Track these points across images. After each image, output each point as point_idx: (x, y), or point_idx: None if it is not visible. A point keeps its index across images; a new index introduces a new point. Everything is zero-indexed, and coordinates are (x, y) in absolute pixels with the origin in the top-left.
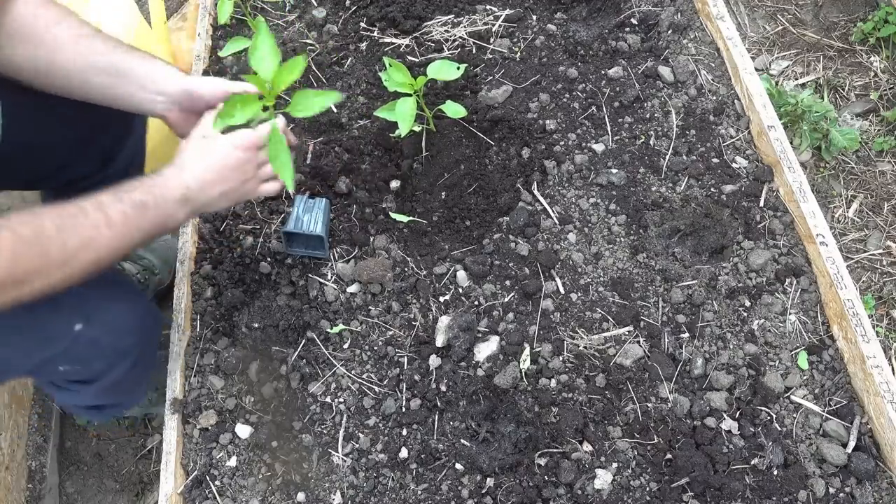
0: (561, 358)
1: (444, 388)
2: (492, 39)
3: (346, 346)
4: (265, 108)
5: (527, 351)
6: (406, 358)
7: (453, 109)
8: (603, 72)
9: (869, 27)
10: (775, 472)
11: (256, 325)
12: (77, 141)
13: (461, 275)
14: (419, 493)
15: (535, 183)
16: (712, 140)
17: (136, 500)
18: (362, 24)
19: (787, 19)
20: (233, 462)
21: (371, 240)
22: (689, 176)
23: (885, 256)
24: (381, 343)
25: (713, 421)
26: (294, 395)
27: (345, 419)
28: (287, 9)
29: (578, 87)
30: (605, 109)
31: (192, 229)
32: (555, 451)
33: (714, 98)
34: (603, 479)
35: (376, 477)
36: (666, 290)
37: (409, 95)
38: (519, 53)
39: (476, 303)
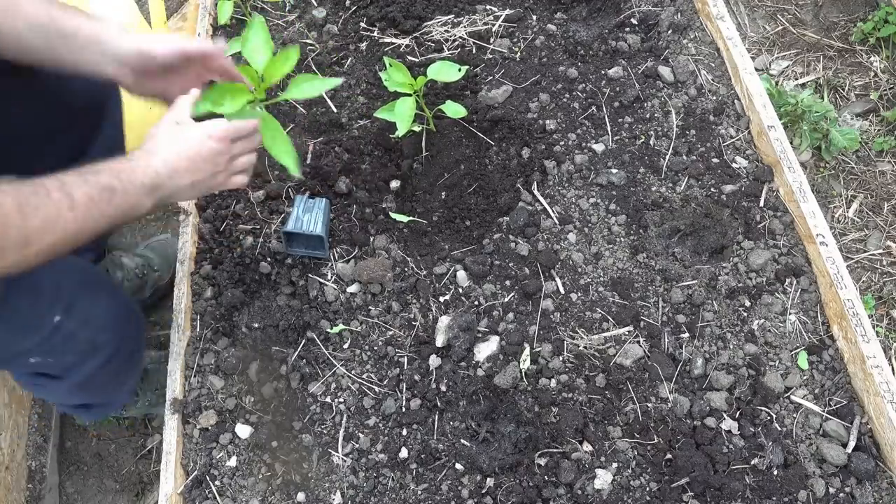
0: (561, 358)
1: (444, 388)
2: (492, 39)
3: (346, 346)
4: (251, 102)
5: (527, 351)
6: (406, 358)
7: (453, 109)
8: (603, 72)
9: (869, 27)
10: (775, 472)
11: (256, 325)
12: (40, 134)
13: (461, 275)
14: (419, 493)
15: (535, 183)
16: (712, 140)
17: (136, 500)
18: (362, 24)
19: (787, 19)
20: (233, 462)
21: (371, 240)
22: (689, 176)
23: (885, 256)
24: (381, 343)
25: (713, 421)
26: (294, 395)
27: (345, 419)
28: (287, 9)
29: (578, 87)
30: (605, 109)
31: (192, 229)
32: (555, 451)
33: (714, 98)
34: (603, 479)
35: (376, 477)
36: (666, 290)
37: (409, 95)
38: (519, 53)
39: (476, 303)
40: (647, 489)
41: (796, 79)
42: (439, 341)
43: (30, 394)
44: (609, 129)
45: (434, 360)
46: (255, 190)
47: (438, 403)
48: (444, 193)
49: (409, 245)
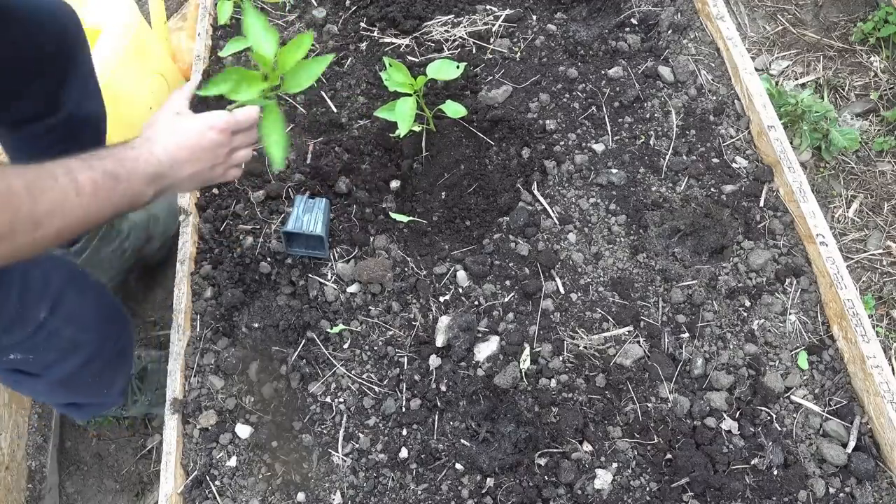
0: (561, 358)
1: (444, 388)
2: (492, 39)
3: (346, 346)
4: (273, 89)
5: (527, 351)
6: (406, 358)
7: (453, 109)
8: (603, 72)
9: (869, 27)
10: (775, 472)
11: (256, 325)
12: (14, 79)
13: (461, 275)
14: (419, 493)
15: (535, 183)
16: (712, 140)
17: (136, 500)
18: (362, 24)
19: (787, 19)
20: (233, 462)
21: (371, 240)
22: (689, 176)
23: (885, 256)
24: (381, 343)
25: (713, 421)
26: (294, 395)
27: (345, 419)
28: (287, 9)
29: (578, 87)
30: (605, 109)
31: (192, 229)
32: (555, 451)
33: (714, 98)
34: (603, 479)
35: (376, 477)
36: (666, 290)
37: (409, 95)
38: (519, 53)
39: (476, 303)
40: (647, 489)
41: (796, 79)
42: (439, 341)
43: None
44: (609, 129)
45: (434, 360)
46: (255, 190)
47: (438, 403)
48: (444, 193)
49: (409, 245)
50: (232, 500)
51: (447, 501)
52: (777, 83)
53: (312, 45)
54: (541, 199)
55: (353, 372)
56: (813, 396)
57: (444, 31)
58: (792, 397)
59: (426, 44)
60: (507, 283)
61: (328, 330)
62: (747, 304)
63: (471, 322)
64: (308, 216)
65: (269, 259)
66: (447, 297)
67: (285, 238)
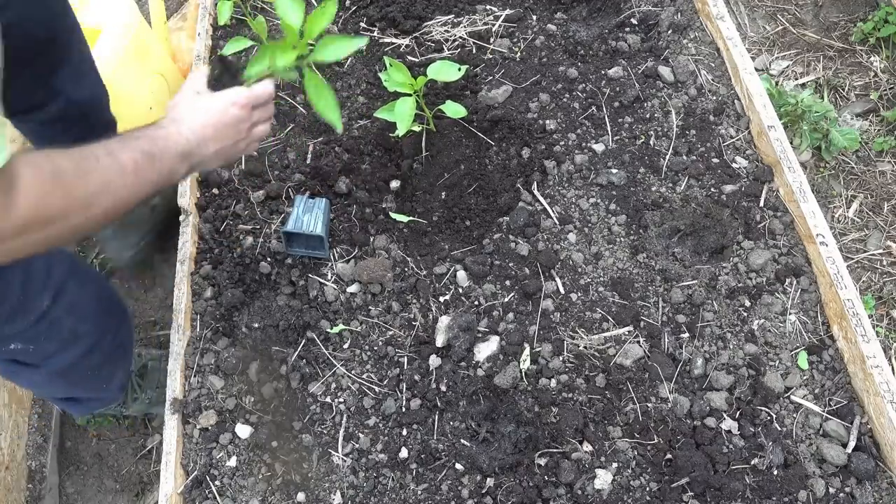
0: (561, 358)
1: (444, 388)
2: (492, 39)
3: (346, 346)
4: (300, 58)
5: (527, 351)
6: (406, 358)
7: (453, 109)
8: (603, 72)
9: (869, 27)
10: (775, 472)
11: (256, 325)
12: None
13: (461, 275)
14: (419, 493)
15: (535, 183)
16: (712, 140)
17: (136, 500)
18: (362, 24)
19: (787, 19)
20: (233, 462)
21: (371, 240)
22: (689, 176)
23: (885, 256)
24: (381, 343)
25: (713, 421)
26: (294, 395)
27: (345, 419)
28: None
29: (578, 87)
30: (605, 109)
31: (192, 229)
32: (555, 451)
33: (714, 98)
34: (603, 479)
35: (376, 477)
36: (666, 290)
37: (409, 95)
38: (519, 53)
39: (476, 303)
40: (647, 489)
41: (796, 79)
42: (439, 341)
43: (30, 394)
44: (609, 129)
45: (434, 360)
46: (255, 190)
47: (438, 403)
48: (444, 193)
49: (409, 245)
50: (232, 500)
51: (447, 501)
52: (777, 83)
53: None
54: (541, 199)
55: (353, 372)
56: (813, 396)
57: (444, 31)
58: (792, 397)
59: (426, 44)
60: (507, 283)
61: (328, 330)
62: (747, 304)
63: (471, 322)
64: (308, 216)
65: (269, 259)
66: (447, 297)
67: (285, 238)
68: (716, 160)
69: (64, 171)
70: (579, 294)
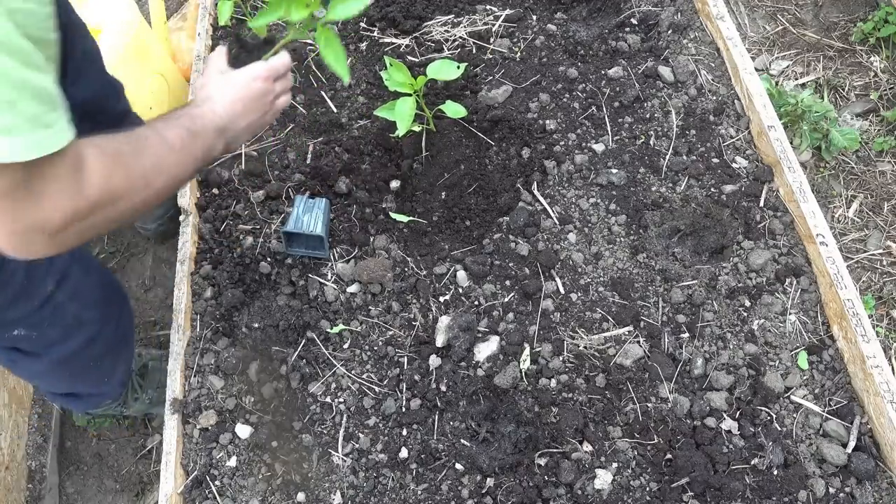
0: (561, 358)
1: (444, 388)
2: (492, 39)
3: (346, 346)
4: (316, 18)
5: (527, 351)
6: (406, 358)
7: (453, 109)
8: (603, 72)
9: (869, 27)
10: (775, 472)
11: (256, 325)
12: None
13: (461, 275)
14: (419, 493)
15: (535, 183)
16: (712, 140)
17: (136, 500)
18: (362, 24)
19: (787, 19)
20: (233, 462)
21: (371, 240)
22: (689, 176)
23: (885, 256)
24: (381, 343)
25: (713, 421)
26: (294, 395)
27: (345, 419)
28: None
29: (578, 87)
30: (605, 109)
31: (192, 229)
32: (555, 451)
33: (714, 98)
34: (603, 479)
35: (376, 477)
36: (666, 290)
37: (409, 95)
38: (519, 53)
39: (476, 303)
40: (647, 489)
41: (796, 79)
42: (439, 341)
43: (30, 394)
44: (609, 129)
45: (434, 360)
46: (255, 190)
47: (438, 403)
48: (444, 193)
49: (409, 245)
50: (232, 500)
51: (447, 501)
52: (777, 83)
53: (313, 45)
54: (541, 199)
55: (353, 372)
56: (813, 396)
57: (444, 31)
58: (792, 397)
59: (426, 44)
60: (507, 283)
61: (328, 330)
62: (747, 304)
63: (471, 322)
64: (308, 216)
65: (269, 259)
66: (447, 297)
67: (285, 238)
68: (716, 160)
69: (122, 151)
70: (579, 294)
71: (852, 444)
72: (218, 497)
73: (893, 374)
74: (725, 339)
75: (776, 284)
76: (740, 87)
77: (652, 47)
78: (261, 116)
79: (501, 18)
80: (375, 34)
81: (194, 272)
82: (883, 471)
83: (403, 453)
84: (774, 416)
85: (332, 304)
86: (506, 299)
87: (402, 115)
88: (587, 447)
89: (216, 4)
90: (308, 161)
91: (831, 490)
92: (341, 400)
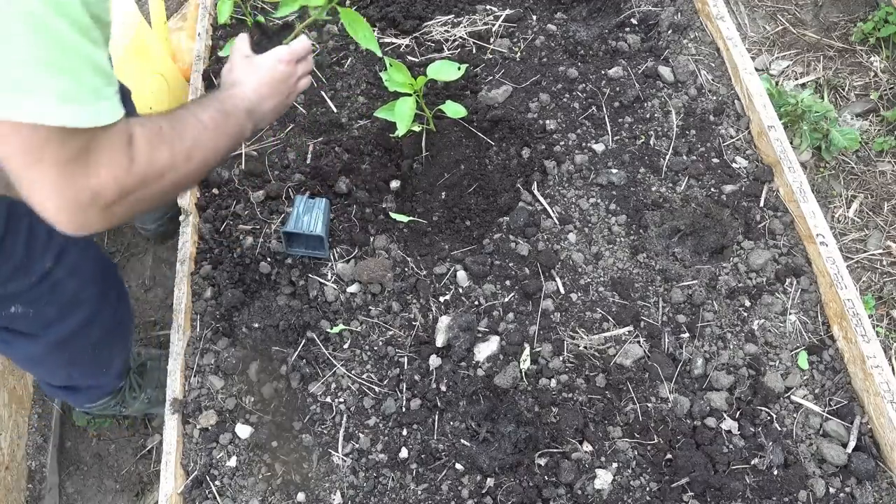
0: (561, 358)
1: (444, 388)
2: (492, 39)
3: (346, 346)
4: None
5: (527, 351)
6: (406, 358)
7: (453, 109)
8: (603, 72)
9: (869, 27)
10: (775, 472)
11: (256, 325)
12: None
13: (461, 275)
14: (419, 493)
15: (535, 183)
16: (712, 140)
17: (136, 500)
18: None
19: (787, 19)
20: (233, 462)
21: (371, 240)
22: (689, 176)
23: (885, 256)
24: (381, 343)
25: (713, 421)
26: (294, 395)
27: (345, 419)
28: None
29: (578, 87)
30: (605, 109)
31: (192, 229)
32: (555, 451)
33: (714, 98)
34: (603, 479)
35: (376, 477)
36: (666, 290)
37: (409, 95)
38: (519, 53)
39: (476, 303)
40: (647, 489)
41: (796, 79)
42: (439, 341)
43: (30, 394)
44: (609, 129)
45: (434, 360)
46: (255, 190)
47: (438, 403)
48: (444, 193)
49: (409, 245)
50: (232, 500)
51: (447, 501)
52: (777, 83)
53: (313, 45)
54: (541, 199)
55: (353, 372)
56: (813, 396)
57: (444, 31)
58: (792, 397)
59: (426, 44)
60: (507, 283)
61: (328, 330)
62: (747, 304)
63: (471, 322)
64: (308, 216)
65: (269, 259)
66: (447, 297)
67: (285, 238)
68: (716, 160)
69: (164, 129)
70: (579, 294)
71: (852, 444)
72: (218, 497)
73: (893, 374)
74: (725, 339)
75: (776, 284)
76: (740, 87)
77: (652, 47)
78: (285, 97)
79: (501, 18)
80: (375, 34)
81: (194, 272)
82: (883, 471)
83: (403, 453)
84: (774, 416)
85: (332, 304)
86: (506, 299)
87: (402, 116)
88: (587, 447)
89: (216, 4)
90: (308, 161)
91: (831, 490)
92: (341, 400)
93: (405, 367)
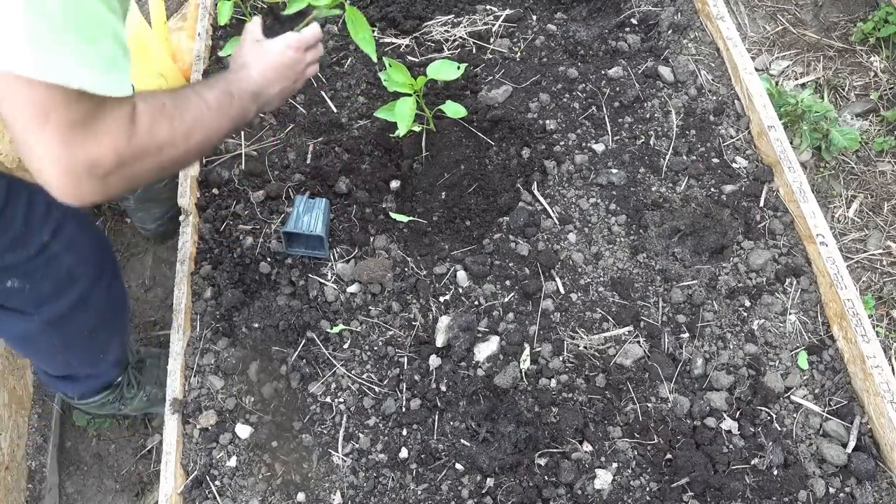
0: (561, 358)
1: (444, 388)
2: (492, 39)
3: (346, 346)
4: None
5: (527, 351)
6: (406, 358)
7: (453, 109)
8: (603, 72)
9: (869, 27)
10: (775, 472)
11: (256, 326)
12: None
13: (461, 275)
14: (419, 493)
15: (535, 183)
16: (712, 140)
17: (136, 500)
18: None
19: (787, 19)
20: (233, 462)
21: (371, 240)
22: (689, 176)
23: (885, 256)
24: (381, 343)
25: (713, 421)
26: (294, 395)
27: (345, 419)
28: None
29: (578, 87)
30: (605, 109)
31: (192, 229)
32: (555, 451)
33: (714, 98)
34: (603, 479)
35: (376, 477)
36: (666, 290)
37: (409, 95)
38: (519, 53)
39: (476, 303)
40: (647, 489)
41: (796, 79)
42: (439, 341)
43: (30, 394)
44: (609, 129)
45: (434, 360)
46: (255, 190)
47: (438, 403)
48: (444, 193)
49: (409, 245)
50: (232, 500)
51: (447, 501)
52: (777, 83)
53: None
54: (541, 199)
55: (353, 372)
56: (813, 396)
57: (444, 31)
58: (792, 397)
59: (426, 44)
60: (507, 283)
61: (328, 330)
62: (747, 304)
63: (471, 322)
64: (308, 216)
65: (269, 259)
66: (447, 297)
67: (285, 238)
68: (716, 160)
69: (166, 105)
70: (579, 294)
71: (852, 444)
72: (218, 497)
73: (893, 374)
74: (725, 339)
75: (776, 284)
76: (740, 87)
77: (652, 47)
78: (292, 83)
79: (501, 18)
80: (375, 34)
81: (194, 272)
82: (883, 471)
83: (403, 453)
84: (774, 416)
85: (332, 304)
86: (506, 299)
87: (402, 116)
88: (587, 447)
89: (216, 4)
90: (308, 161)
91: (831, 490)
92: (341, 400)
93: (405, 367)
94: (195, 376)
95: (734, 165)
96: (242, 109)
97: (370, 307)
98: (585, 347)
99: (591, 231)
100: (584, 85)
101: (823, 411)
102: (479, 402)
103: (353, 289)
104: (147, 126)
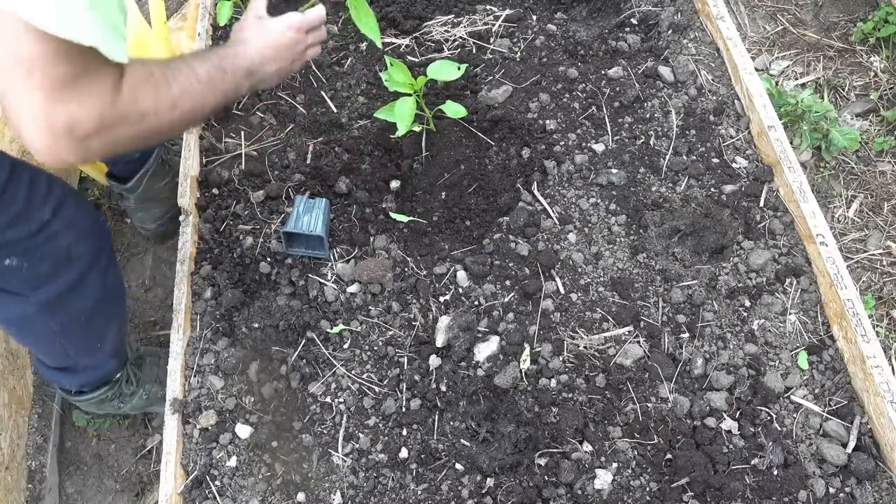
0: (561, 358)
1: (444, 388)
2: (492, 39)
3: (346, 346)
4: None
5: (527, 351)
6: (406, 358)
7: (453, 109)
8: (603, 72)
9: (869, 27)
10: (775, 472)
11: (256, 326)
12: None
13: (461, 275)
14: (419, 493)
15: (535, 183)
16: (712, 140)
17: (136, 500)
18: None
19: (787, 19)
20: (233, 462)
21: (371, 240)
22: (689, 176)
23: (885, 256)
24: (381, 343)
25: (713, 421)
26: (294, 395)
27: (345, 419)
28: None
29: (578, 87)
30: (605, 109)
31: (192, 229)
32: (555, 451)
33: (714, 98)
34: (603, 479)
35: (376, 477)
36: (666, 290)
37: (409, 95)
38: (519, 53)
39: (476, 303)
40: (647, 489)
41: (796, 79)
42: (439, 341)
43: (30, 394)
44: (609, 129)
45: (434, 360)
46: (255, 190)
47: (438, 403)
48: (444, 193)
49: (409, 245)
50: (232, 500)
51: (447, 501)
52: (777, 83)
53: None
54: (541, 199)
55: (353, 372)
56: (813, 396)
57: (444, 31)
58: (792, 397)
59: (426, 44)
60: (507, 283)
61: (328, 330)
62: (747, 304)
63: (471, 322)
64: (308, 216)
65: (269, 259)
66: (447, 297)
67: (285, 238)
68: (716, 160)
69: (154, 74)
70: (579, 294)
71: (852, 444)
72: (218, 497)
73: (893, 374)
74: (725, 339)
75: (776, 284)
76: (740, 87)
77: (652, 47)
78: (289, 63)
79: (501, 18)
80: None
81: (194, 272)
82: (883, 471)
83: (403, 453)
84: (774, 416)
85: (332, 304)
86: (506, 299)
87: (402, 116)
88: (587, 447)
89: (216, 4)
90: (308, 161)
91: (831, 490)
92: (341, 400)
93: (405, 367)
94: (195, 376)
95: (734, 165)
96: (235, 85)
97: (370, 307)
98: (585, 347)
99: (591, 231)
100: (584, 85)
101: (823, 411)
102: (479, 402)
103: (353, 289)
104: (132, 92)
